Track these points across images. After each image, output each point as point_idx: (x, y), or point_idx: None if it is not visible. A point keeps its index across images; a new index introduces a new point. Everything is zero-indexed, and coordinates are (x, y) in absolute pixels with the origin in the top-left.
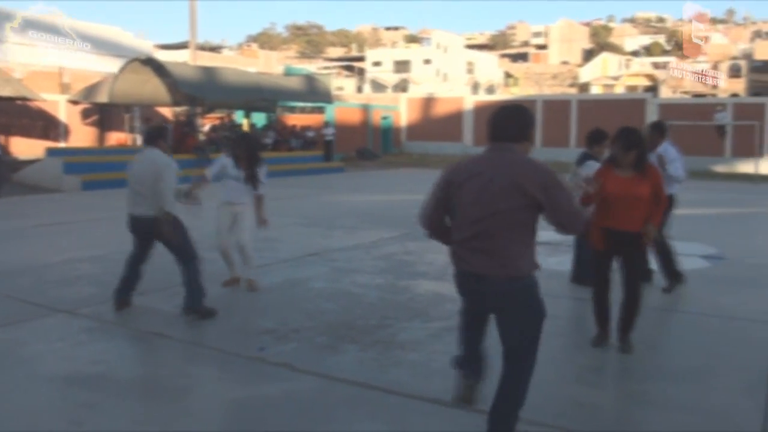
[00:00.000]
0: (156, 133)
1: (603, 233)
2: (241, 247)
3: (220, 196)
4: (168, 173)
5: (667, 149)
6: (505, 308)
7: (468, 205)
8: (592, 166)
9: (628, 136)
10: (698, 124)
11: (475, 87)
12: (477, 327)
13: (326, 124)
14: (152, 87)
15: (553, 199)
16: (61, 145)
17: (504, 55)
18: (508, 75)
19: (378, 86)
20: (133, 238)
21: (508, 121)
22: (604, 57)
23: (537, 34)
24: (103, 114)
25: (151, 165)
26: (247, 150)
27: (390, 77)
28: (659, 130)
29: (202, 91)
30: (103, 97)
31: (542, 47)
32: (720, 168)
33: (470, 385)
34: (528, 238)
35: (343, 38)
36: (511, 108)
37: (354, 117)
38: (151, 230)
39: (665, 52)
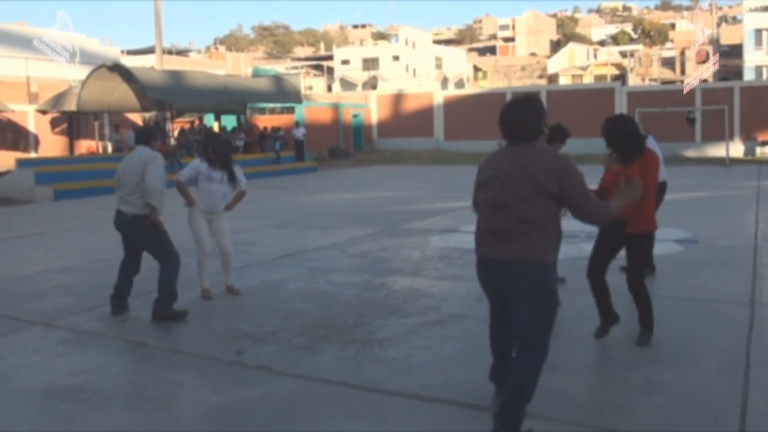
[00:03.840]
0: (147, 134)
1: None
2: (226, 253)
3: (199, 204)
4: (154, 164)
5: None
6: (519, 292)
7: (492, 197)
8: None
9: None
10: (668, 111)
11: (444, 82)
12: (502, 326)
13: (297, 124)
14: (120, 93)
15: (567, 191)
16: (32, 155)
17: (472, 49)
18: (476, 68)
19: (347, 84)
20: (122, 241)
21: (519, 124)
22: (572, 48)
23: (504, 27)
24: (72, 122)
25: (138, 161)
26: (217, 150)
27: (359, 75)
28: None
29: (171, 95)
30: (71, 106)
31: (510, 40)
32: (691, 153)
33: None
34: (546, 227)
35: (311, 37)
36: (519, 108)
37: (324, 116)
38: (131, 227)
39: (632, 41)
